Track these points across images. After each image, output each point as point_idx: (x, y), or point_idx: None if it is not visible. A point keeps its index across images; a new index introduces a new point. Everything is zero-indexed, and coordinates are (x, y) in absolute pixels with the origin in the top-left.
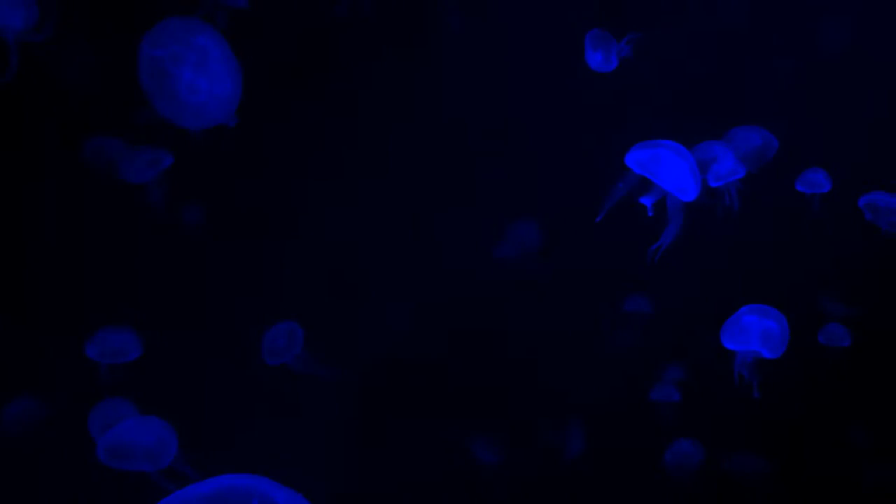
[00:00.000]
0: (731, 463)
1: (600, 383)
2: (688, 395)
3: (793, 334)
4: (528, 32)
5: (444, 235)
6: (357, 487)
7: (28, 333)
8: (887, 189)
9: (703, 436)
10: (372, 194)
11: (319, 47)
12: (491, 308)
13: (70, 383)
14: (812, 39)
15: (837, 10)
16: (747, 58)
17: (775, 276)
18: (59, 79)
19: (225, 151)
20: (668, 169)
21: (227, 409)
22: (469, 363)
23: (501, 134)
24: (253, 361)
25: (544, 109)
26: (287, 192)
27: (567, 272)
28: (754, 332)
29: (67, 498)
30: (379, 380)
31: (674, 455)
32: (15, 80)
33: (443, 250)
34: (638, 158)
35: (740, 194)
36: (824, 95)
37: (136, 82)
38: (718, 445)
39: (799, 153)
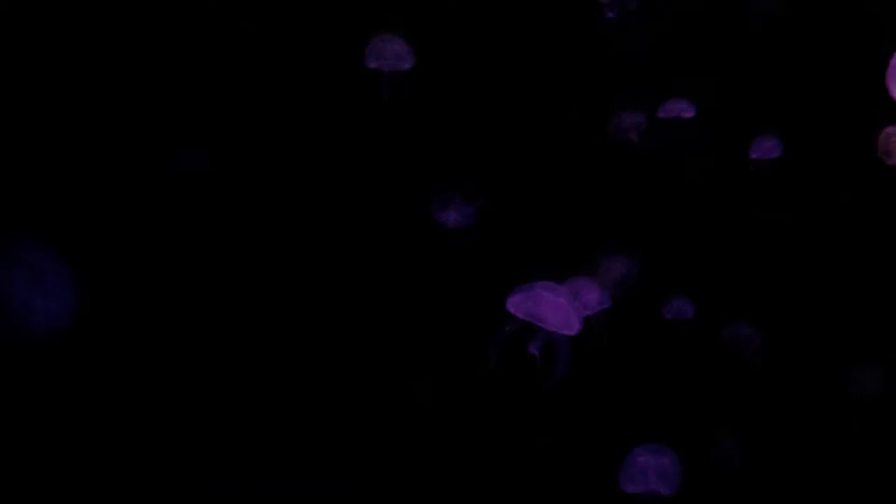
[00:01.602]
0: None
1: None
2: None
3: (684, 462)
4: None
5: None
6: None
7: None
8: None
9: None
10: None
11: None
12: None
13: None
14: (671, 168)
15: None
16: (606, 187)
17: (657, 406)
18: None
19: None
20: (547, 308)
21: None
22: None
23: (376, 295)
24: None
25: (412, 268)
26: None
27: (461, 418)
28: (651, 473)
29: None
30: None
31: None
32: None
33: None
34: (517, 303)
35: (609, 326)
36: (683, 221)
37: None
38: None
39: (662, 281)
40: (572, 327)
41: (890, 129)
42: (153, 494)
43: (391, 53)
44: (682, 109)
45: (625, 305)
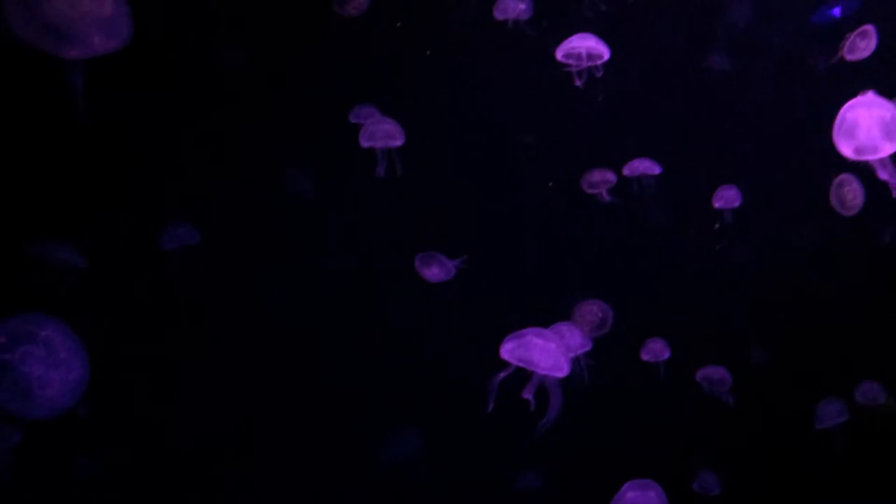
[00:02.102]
0: None
1: None
2: None
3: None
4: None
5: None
6: None
7: None
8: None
9: None
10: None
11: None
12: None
13: None
14: (638, 217)
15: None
16: (579, 238)
17: (641, 441)
18: None
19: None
20: (538, 352)
21: None
22: None
23: (374, 343)
24: None
25: (407, 322)
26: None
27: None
28: None
29: None
30: None
31: None
32: None
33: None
34: (510, 350)
35: (590, 366)
36: (655, 268)
37: None
38: None
39: (638, 323)
40: (563, 370)
41: (842, 178)
42: None
43: (383, 133)
44: (648, 167)
45: (605, 348)
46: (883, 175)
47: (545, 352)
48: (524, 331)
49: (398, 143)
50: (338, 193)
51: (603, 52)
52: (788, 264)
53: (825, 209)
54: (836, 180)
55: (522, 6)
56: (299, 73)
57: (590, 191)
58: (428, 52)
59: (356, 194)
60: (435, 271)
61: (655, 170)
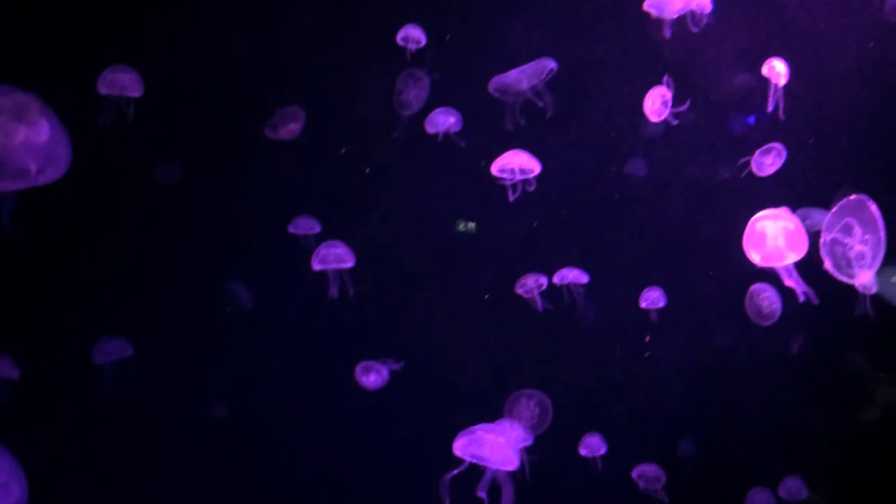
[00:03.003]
0: None
1: None
2: None
3: None
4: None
5: None
6: None
7: None
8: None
9: None
10: None
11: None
12: None
13: None
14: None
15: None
16: (515, 341)
17: None
18: None
19: None
20: (489, 448)
21: None
22: None
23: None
24: None
25: (350, 432)
26: None
27: None
28: None
29: None
30: None
31: None
32: None
33: None
34: (463, 446)
35: (532, 462)
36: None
37: None
38: None
39: (575, 420)
40: (513, 463)
41: (756, 288)
42: None
43: (334, 257)
44: (576, 276)
45: (544, 443)
46: (789, 282)
47: (495, 446)
48: (474, 427)
49: (349, 265)
50: (277, 305)
51: (534, 167)
52: (711, 366)
53: (741, 314)
54: (750, 290)
55: (452, 119)
56: (235, 189)
57: (524, 295)
58: (367, 170)
59: (294, 305)
60: (373, 378)
61: (583, 279)
